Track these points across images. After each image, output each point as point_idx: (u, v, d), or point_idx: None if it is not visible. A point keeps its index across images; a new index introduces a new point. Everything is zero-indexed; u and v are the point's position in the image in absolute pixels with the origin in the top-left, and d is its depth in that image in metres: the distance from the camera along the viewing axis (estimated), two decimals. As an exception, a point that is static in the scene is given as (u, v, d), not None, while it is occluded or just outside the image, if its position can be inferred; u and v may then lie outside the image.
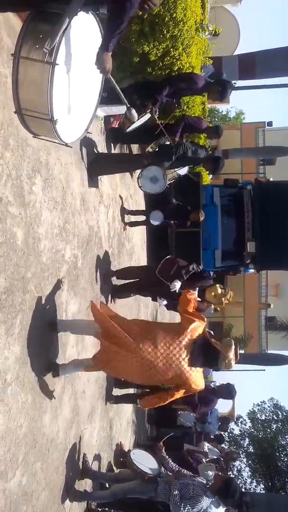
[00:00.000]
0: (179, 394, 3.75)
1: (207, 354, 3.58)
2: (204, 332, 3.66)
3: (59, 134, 2.41)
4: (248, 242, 9.75)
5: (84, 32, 2.44)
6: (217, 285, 5.59)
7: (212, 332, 6.00)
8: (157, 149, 5.45)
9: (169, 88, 4.64)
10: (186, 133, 6.05)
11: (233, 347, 3.64)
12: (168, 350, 3.45)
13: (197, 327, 3.60)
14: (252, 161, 23.04)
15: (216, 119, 33.20)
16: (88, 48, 2.50)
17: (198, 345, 3.53)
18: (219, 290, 5.53)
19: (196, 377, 3.61)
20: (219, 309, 5.96)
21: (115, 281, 6.04)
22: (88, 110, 2.80)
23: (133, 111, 3.45)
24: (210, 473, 5.48)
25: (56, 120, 2.31)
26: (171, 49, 4.91)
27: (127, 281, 5.87)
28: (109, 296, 5.85)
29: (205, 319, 3.73)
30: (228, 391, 6.61)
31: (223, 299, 5.46)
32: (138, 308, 7.66)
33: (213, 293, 5.53)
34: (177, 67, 5.10)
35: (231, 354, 3.62)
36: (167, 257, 5.77)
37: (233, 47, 18.80)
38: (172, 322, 3.92)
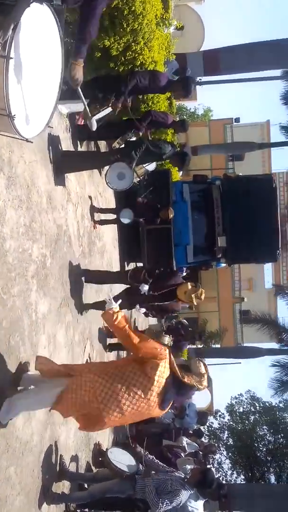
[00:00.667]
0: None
1: (177, 391, 3.25)
2: (171, 368, 3.19)
3: (18, 129, 2.35)
4: (218, 237, 9.83)
5: (39, 23, 2.39)
6: (188, 283, 5.60)
7: (185, 323, 5.95)
8: (123, 145, 5.41)
9: (132, 82, 4.59)
10: (153, 128, 6.05)
11: (206, 372, 3.37)
12: (136, 411, 3.10)
13: (163, 371, 3.13)
14: (222, 157, 23.29)
15: (185, 116, 33.42)
16: (44, 40, 2.45)
17: (166, 388, 3.13)
18: (190, 287, 5.55)
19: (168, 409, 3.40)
20: (194, 305, 5.95)
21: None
22: (48, 104, 2.74)
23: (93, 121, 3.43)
24: (188, 467, 5.51)
25: (14, 115, 2.25)
26: (133, 43, 4.87)
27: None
28: (82, 295, 5.80)
29: (165, 348, 3.27)
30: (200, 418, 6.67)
31: (193, 296, 5.46)
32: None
33: (184, 291, 5.54)
34: (139, 61, 5.07)
35: (205, 382, 3.37)
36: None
37: (198, 45, 18.94)
38: (135, 370, 3.17)
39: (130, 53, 4.96)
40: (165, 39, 6.14)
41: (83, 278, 5.86)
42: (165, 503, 3.93)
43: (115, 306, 3.34)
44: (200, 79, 16.05)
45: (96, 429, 3.39)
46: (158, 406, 3.15)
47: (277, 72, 12.05)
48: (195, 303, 5.66)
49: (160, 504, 3.91)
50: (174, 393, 3.22)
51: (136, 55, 4.99)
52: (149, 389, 3.06)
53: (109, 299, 3.42)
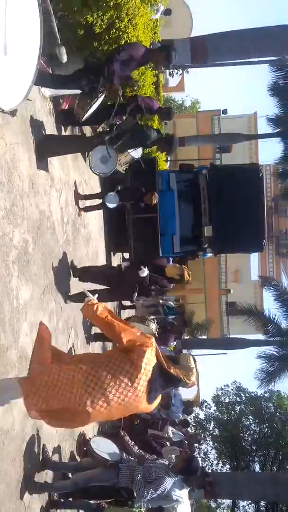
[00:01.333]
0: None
1: (165, 382, 3.15)
2: (157, 357, 3.09)
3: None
4: (205, 227, 9.79)
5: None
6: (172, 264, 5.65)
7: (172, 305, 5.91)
8: (108, 129, 5.29)
9: (115, 64, 4.45)
10: (138, 114, 5.92)
11: (194, 369, 3.26)
12: (122, 401, 2.94)
13: (150, 358, 3.02)
14: (209, 148, 23.27)
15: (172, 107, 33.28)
16: (22, 7, 2.33)
17: (154, 378, 3.03)
18: (177, 270, 5.56)
19: (156, 403, 3.25)
20: (188, 279, 5.92)
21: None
22: (27, 75, 2.62)
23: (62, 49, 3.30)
24: (174, 456, 5.49)
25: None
26: (116, 20, 4.73)
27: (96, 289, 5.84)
28: (66, 282, 5.70)
29: (150, 337, 3.19)
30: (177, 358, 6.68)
31: (184, 270, 5.50)
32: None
33: (172, 266, 5.57)
34: (123, 40, 4.94)
35: (193, 377, 3.28)
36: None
37: (186, 33, 18.75)
38: (121, 358, 3.07)
39: (114, 31, 4.81)
40: (149, 18, 5.98)
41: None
42: (150, 492, 3.90)
43: (93, 298, 3.24)
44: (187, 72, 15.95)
45: (76, 422, 3.10)
46: (145, 398, 3.01)
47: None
48: (188, 277, 5.68)
49: (145, 492, 3.87)
50: (161, 385, 3.10)
51: (120, 33, 4.85)
52: (136, 376, 2.93)
53: (87, 292, 3.32)
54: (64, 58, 4.26)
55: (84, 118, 4.81)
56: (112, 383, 2.91)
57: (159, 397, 3.21)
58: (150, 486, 3.91)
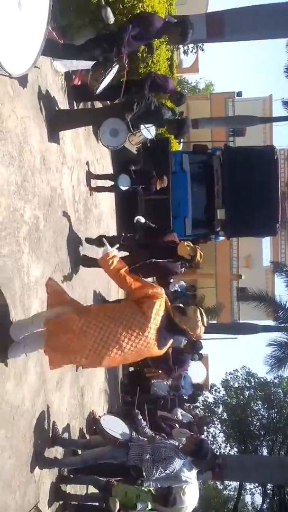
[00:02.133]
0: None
1: (173, 332, 3.35)
2: (167, 308, 3.30)
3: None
4: (218, 210, 9.65)
5: None
6: (184, 242, 5.53)
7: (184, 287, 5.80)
8: (122, 101, 5.13)
9: (128, 34, 4.28)
10: (152, 92, 5.77)
11: (200, 320, 3.36)
12: (135, 348, 3.19)
13: (159, 309, 3.23)
14: (222, 131, 22.87)
15: (186, 90, 32.74)
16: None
17: (163, 327, 3.24)
18: (188, 248, 5.47)
19: (168, 347, 3.46)
20: (199, 260, 5.73)
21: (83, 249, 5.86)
22: (36, 41, 2.52)
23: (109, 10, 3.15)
24: (184, 439, 5.48)
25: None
26: (131, -12, 4.57)
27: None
28: (77, 262, 5.65)
29: (161, 288, 3.32)
30: (192, 346, 6.63)
31: (197, 251, 5.39)
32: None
33: (186, 244, 5.45)
34: (138, 10, 4.77)
35: (198, 330, 3.38)
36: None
37: (201, 10, 18.30)
38: (132, 310, 3.26)
39: (129, 0, 4.64)
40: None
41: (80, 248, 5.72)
42: (159, 470, 3.89)
43: (111, 250, 3.38)
44: (202, 47, 15.58)
45: (96, 361, 3.28)
46: (156, 344, 3.26)
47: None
48: (200, 258, 5.57)
49: (154, 471, 3.87)
50: (169, 333, 3.32)
51: (135, 2, 4.67)
52: (146, 326, 3.17)
53: (106, 243, 3.45)
54: (111, 19, 4.07)
55: (99, 90, 4.65)
56: (124, 333, 3.16)
57: (170, 342, 3.44)
58: (159, 465, 3.91)
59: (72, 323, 3.22)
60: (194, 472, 4.44)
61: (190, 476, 4.35)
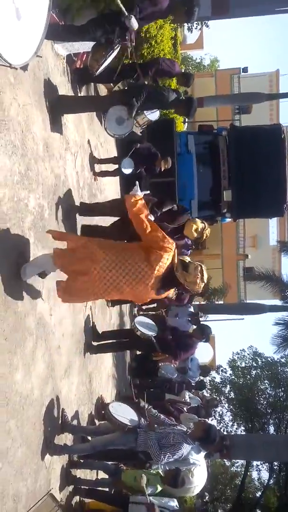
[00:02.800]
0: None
1: (172, 284, 3.59)
2: (173, 260, 3.49)
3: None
4: (224, 191, 9.54)
5: None
6: (197, 219, 5.45)
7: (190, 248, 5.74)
8: (125, 88, 5.02)
9: (133, 15, 4.14)
10: (158, 77, 5.63)
11: (199, 277, 3.52)
12: (133, 291, 3.48)
13: (166, 262, 3.44)
14: (228, 109, 22.48)
15: (190, 67, 32.06)
16: None
17: (163, 279, 3.48)
18: (199, 224, 5.39)
19: (166, 294, 3.75)
20: (203, 240, 5.70)
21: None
22: (37, 29, 2.43)
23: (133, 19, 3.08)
24: (192, 425, 5.53)
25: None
26: None
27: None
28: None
29: (172, 242, 3.51)
30: (202, 331, 6.64)
31: (204, 232, 5.33)
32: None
33: (194, 226, 5.38)
34: (141, -10, 4.62)
35: (196, 286, 3.57)
36: None
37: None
38: (140, 258, 3.47)
39: (131, -22, 4.47)
40: None
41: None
42: (167, 455, 3.93)
43: (140, 194, 3.58)
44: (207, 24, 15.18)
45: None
46: (154, 291, 3.51)
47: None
48: (206, 236, 5.56)
49: (162, 456, 3.91)
50: (169, 284, 3.55)
51: (138, -18, 4.51)
52: (149, 275, 3.40)
53: (136, 187, 3.65)
54: (135, 26, 4.01)
55: (98, 71, 4.53)
56: (127, 277, 3.40)
57: (169, 292, 3.71)
58: (168, 450, 3.95)
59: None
60: (202, 454, 4.50)
61: (198, 459, 4.41)
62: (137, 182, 3.81)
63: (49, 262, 3.66)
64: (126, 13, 3.01)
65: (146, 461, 4.51)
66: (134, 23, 3.77)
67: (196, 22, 16.35)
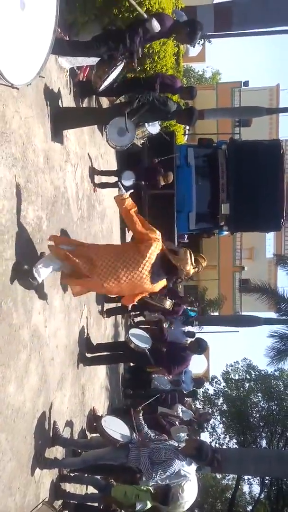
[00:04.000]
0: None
1: (166, 269, 3.88)
2: (162, 249, 3.85)
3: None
4: (222, 204, 9.58)
5: None
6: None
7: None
8: (128, 101, 5.04)
9: (136, 35, 4.17)
10: (160, 92, 5.67)
11: (189, 260, 3.97)
12: (130, 280, 3.77)
13: (154, 250, 3.79)
14: (228, 122, 22.61)
15: (192, 79, 32.29)
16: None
17: (157, 264, 3.80)
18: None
19: (160, 284, 4.00)
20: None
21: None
22: (41, 50, 2.45)
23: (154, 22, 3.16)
24: (182, 434, 5.50)
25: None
26: (139, -15, 4.44)
27: None
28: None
29: (159, 234, 3.86)
30: (198, 345, 6.61)
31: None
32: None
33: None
34: (145, 8, 4.65)
35: (188, 266, 3.97)
36: None
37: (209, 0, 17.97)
38: (133, 250, 3.87)
39: (136, -4, 4.52)
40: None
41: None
42: (158, 473, 3.90)
43: (126, 194, 3.95)
44: (210, 41, 15.25)
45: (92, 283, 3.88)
46: (149, 279, 3.81)
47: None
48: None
49: (153, 474, 3.88)
50: (163, 271, 3.86)
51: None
52: (141, 263, 3.74)
53: (121, 186, 4.15)
54: (157, 28, 4.09)
55: (101, 88, 4.58)
56: (122, 267, 3.74)
57: (163, 282, 3.99)
58: (159, 467, 3.92)
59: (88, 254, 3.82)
60: (193, 467, 4.47)
61: (189, 471, 4.37)
62: (119, 183, 4.24)
63: (53, 259, 3.86)
64: (146, 16, 3.03)
65: (138, 473, 4.45)
66: (156, 25, 3.81)
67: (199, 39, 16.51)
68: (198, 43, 18.90)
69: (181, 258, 3.91)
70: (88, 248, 3.98)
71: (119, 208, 3.97)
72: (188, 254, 3.97)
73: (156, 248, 3.80)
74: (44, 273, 3.79)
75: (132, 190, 4.18)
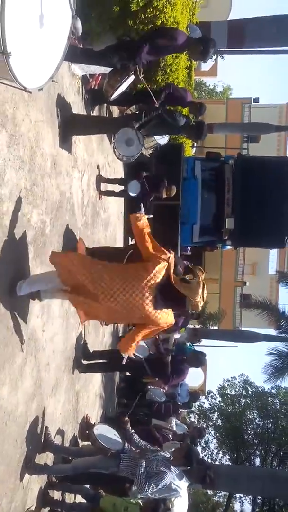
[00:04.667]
0: (149, 329, 3.66)
1: (171, 298, 3.49)
2: (168, 271, 3.50)
3: (13, 71, 2.07)
4: (227, 218, 9.58)
5: None
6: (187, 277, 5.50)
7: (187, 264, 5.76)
8: (137, 113, 5.10)
9: (148, 46, 4.24)
10: (170, 104, 5.72)
11: (200, 290, 3.49)
12: (128, 300, 3.38)
13: (162, 268, 3.45)
14: (237, 137, 22.73)
15: (203, 93, 32.58)
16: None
17: (161, 290, 3.42)
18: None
19: (164, 316, 3.55)
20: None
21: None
22: (55, 55, 2.48)
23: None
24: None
25: (10, 53, 1.98)
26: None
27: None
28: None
29: (168, 254, 3.55)
30: (196, 358, 6.55)
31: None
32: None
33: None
34: (160, 21, 4.71)
35: (198, 297, 3.51)
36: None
37: (224, 16, 18.19)
38: (134, 265, 3.64)
39: (151, 10, 4.57)
40: (190, 0, 5.68)
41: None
42: (151, 486, 3.86)
43: (143, 214, 3.73)
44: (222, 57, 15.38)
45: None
46: (152, 302, 3.38)
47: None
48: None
49: (146, 487, 3.83)
50: (169, 298, 3.45)
51: (157, 12, 4.61)
52: (145, 278, 3.36)
53: (141, 206, 3.90)
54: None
55: (112, 97, 4.62)
56: (121, 282, 3.38)
57: (169, 316, 3.57)
58: (151, 480, 3.87)
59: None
60: (185, 483, 4.42)
61: (181, 486, 4.32)
62: (141, 205, 3.96)
63: (54, 278, 3.65)
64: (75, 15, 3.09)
65: (128, 483, 4.40)
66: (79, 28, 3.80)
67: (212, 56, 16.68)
68: (211, 58, 19.14)
69: (192, 287, 3.47)
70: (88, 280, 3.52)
71: (132, 224, 3.72)
72: (201, 286, 3.50)
73: (163, 268, 3.44)
74: (29, 290, 3.64)
75: (150, 216, 4.00)
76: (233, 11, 20.90)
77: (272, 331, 18.57)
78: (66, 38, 2.49)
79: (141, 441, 4.55)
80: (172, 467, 4.11)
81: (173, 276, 3.52)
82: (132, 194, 6.51)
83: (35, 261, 4.00)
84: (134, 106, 5.35)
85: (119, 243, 8.33)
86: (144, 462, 3.98)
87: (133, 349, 3.82)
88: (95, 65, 4.60)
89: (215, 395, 22.73)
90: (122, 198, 8.01)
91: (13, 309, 3.57)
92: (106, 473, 4.31)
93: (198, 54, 4.53)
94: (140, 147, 5.02)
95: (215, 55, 16.64)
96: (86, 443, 5.30)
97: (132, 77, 4.64)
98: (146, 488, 3.83)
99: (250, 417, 20.82)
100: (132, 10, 4.51)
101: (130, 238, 9.47)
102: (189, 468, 4.22)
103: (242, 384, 22.31)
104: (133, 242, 5.75)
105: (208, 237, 10.03)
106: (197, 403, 19.21)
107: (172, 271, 3.53)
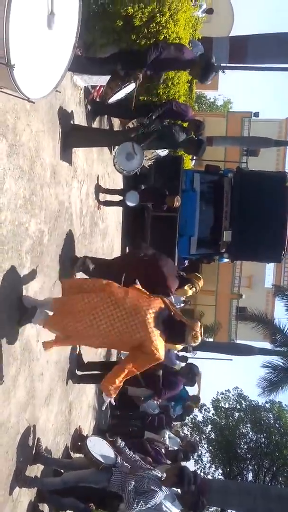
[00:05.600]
0: (137, 363, 3.53)
1: (172, 327, 3.49)
2: (166, 306, 3.51)
3: (17, 82, 2.09)
4: (224, 231, 9.60)
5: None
6: (186, 287, 5.54)
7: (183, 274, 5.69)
8: (136, 126, 5.13)
9: (155, 51, 4.29)
10: (170, 119, 5.76)
11: (199, 324, 3.55)
12: (112, 325, 3.42)
13: (159, 303, 3.50)
14: (236, 150, 22.89)
15: (204, 106, 32.87)
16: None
17: (162, 319, 3.43)
18: (189, 292, 5.47)
19: (159, 344, 3.44)
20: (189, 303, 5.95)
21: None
22: (59, 65, 2.49)
23: None
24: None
25: (14, 65, 1.99)
26: (157, 14, 4.55)
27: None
28: (78, 277, 5.59)
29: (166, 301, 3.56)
30: (189, 370, 6.51)
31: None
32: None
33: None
34: (163, 36, 4.77)
35: (198, 328, 3.50)
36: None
37: (226, 31, 18.42)
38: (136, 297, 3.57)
39: (154, 25, 4.63)
40: (192, 13, 5.75)
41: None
42: (140, 504, 3.79)
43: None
44: (223, 72, 15.57)
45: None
46: (153, 319, 3.34)
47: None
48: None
49: (134, 505, 3.77)
50: (168, 332, 3.44)
51: (160, 28, 4.68)
52: (147, 298, 3.49)
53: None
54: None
55: (111, 100, 4.65)
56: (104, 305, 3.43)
57: (162, 344, 3.46)
58: (140, 498, 3.81)
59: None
60: (177, 509, 4.36)
61: (171, 510, 4.27)
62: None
63: (49, 304, 3.82)
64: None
65: (118, 499, 4.34)
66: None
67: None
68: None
69: (190, 322, 3.49)
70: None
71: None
72: (199, 325, 3.54)
73: (160, 303, 3.49)
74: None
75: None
76: (235, 26, 21.17)
77: (267, 345, 18.56)
78: (72, 47, 2.51)
79: (133, 454, 4.49)
80: (163, 487, 4.05)
81: (173, 309, 3.53)
82: (131, 205, 6.52)
83: (32, 271, 3.99)
84: (134, 120, 5.38)
85: (116, 254, 8.33)
86: (134, 479, 3.93)
87: (114, 391, 3.64)
88: (98, 75, 4.64)
89: (208, 408, 22.59)
90: (121, 209, 8.03)
91: (8, 318, 3.55)
92: (96, 487, 4.24)
93: (198, 76, 4.61)
94: (141, 162, 5.05)
95: (215, 73, 16.83)
96: (78, 455, 5.25)
97: (132, 85, 4.68)
98: (135, 505, 3.76)
99: (244, 431, 20.70)
100: (136, 24, 4.58)
101: (127, 249, 9.48)
102: (180, 490, 4.16)
103: (236, 398, 22.21)
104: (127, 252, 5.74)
105: (205, 250, 10.04)
106: (191, 415, 19.07)
107: (171, 305, 3.55)
